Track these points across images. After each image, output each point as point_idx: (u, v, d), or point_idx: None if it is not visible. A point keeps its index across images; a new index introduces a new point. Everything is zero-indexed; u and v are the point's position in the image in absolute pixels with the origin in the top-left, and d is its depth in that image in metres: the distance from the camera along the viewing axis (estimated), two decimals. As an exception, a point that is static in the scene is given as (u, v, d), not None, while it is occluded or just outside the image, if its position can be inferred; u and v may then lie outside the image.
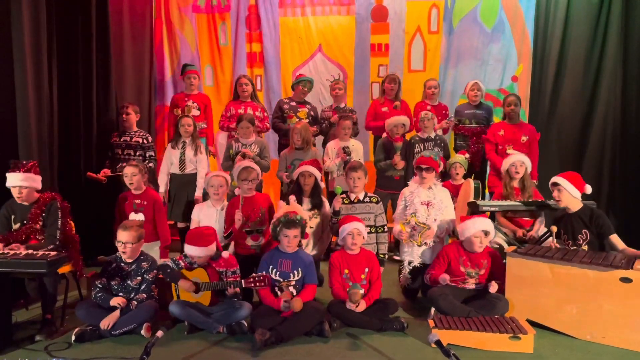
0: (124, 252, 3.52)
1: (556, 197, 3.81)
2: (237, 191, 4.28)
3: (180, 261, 3.59)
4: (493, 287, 3.56)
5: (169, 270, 3.51)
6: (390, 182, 5.23)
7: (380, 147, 5.39)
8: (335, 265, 3.69)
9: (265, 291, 3.51)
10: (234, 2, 6.87)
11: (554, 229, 3.74)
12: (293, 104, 5.77)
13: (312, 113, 5.79)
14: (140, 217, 4.28)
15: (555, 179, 3.82)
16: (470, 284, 3.69)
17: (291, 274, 3.55)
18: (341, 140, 5.40)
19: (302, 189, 4.27)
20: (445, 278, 3.58)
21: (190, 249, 3.51)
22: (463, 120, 5.79)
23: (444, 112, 5.92)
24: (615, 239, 3.65)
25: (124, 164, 4.50)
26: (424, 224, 4.03)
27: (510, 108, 5.33)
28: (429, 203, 4.09)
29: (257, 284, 3.39)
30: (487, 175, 5.72)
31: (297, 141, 5.03)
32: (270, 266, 3.59)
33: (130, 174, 4.30)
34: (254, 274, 3.43)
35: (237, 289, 3.44)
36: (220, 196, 4.34)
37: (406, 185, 5.14)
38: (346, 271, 3.66)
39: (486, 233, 3.68)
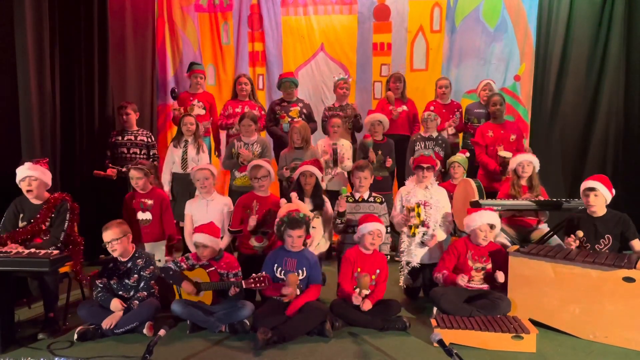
0: (114, 251, 3.52)
1: (592, 202, 3.69)
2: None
3: (182, 263, 3.60)
4: (501, 276, 3.56)
5: (171, 273, 3.53)
6: (372, 183, 5.18)
7: (359, 149, 5.39)
8: (350, 260, 3.69)
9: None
10: (236, 2, 6.87)
11: (580, 233, 3.69)
12: (284, 104, 5.74)
13: (304, 111, 5.74)
14: (147, 216, 4.29)
15: (593, 184, 3.69)
16: (477, 281, 3.69)
17: (296, 273, 3.55)
18: (331, 138, 5.39)
19: (302, 189, 4.26)
20: (464, 278, 3.57)
21: (198, 236, 3.55)
22: (472, 119, 5.79)
23: (455, 110, 5.90)
24: (635, 243, 3.63)
25: (130, 166, 4.51)
26: (413, 208, 4.02)
27: (496, 107, 5.33)
28: (426, 203, 4.10)
29: (258, 285, 3.40)
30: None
31: (296, 140, 5.01)
32: (275, 265, 3.59)
33: (136, 178, 4.30)
34: (254, 274, 3.44)
35: (238, 289, 3.45)
36: (208, 188, 4.35)
37: (390, 185, 5.19)
38: (359, 269, 3.66)
39: (492, 226, 3.71)
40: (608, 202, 3.75)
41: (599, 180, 3.73)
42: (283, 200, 4.11)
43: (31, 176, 3.59)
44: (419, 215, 4.00)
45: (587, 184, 3.75)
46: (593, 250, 3.66)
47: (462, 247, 3.78)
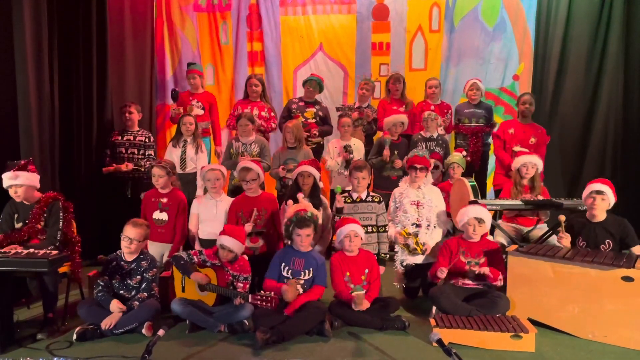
0: (128, 248, 3.52)
1: (596, 205, 3.64)
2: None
3: (195, 257, 3.60)
4: (485, 270, 3.57)
5: (182, 262, 3.54)
6: (387, 182, 5.20)
7: (376, 145, 5.41)
8: (337, 266, 3.68)
9: (271, 283, 3.54)
10: (235, 1, 6.88)
11: (562, 217, 3.67)
12: (301, 103, 5.75)
13: (320, 113, 5.74)
14: (164, 216, 4.28)
15: (601, 187, 3.64)
16: (471, 278, 3.68)
17: (302, 273, 3.56)
18: (342, 138, 5.39)
19: (300, 189, 4.26)
20: (442, 269, 3.61)
21: (226, 239, 3.53)
22: (462, 120, 5.79)
23: (446, 111, 5.91)
24: (637, 250, 3.59)
25: (153, 162, 4.51)
26: (411, 234, 4.04)
27: (525, 106, 5.34)
28: (419, 203, 4.10)
29: (264, 304, 3.34)
30: (487, 174, 5.71)
31: (289, 140, 5.02)
32: (283, 263, 3.60)
33: (157, 175, 4.28)
34: (262, 292, 3.42)
35: (243, 301, 3.42)
36: (218, 189, 4.35)
37: None
38: (347, 273, 3.66)
39: (479, 220, 3.71)
40: (610, 207, 3.71)
41: (608, 184, 3.68)
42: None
43: (15, 184, 3.57)
44: (416, 244, 4.01)
45: (595, 186, 3.68)
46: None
47: (454, 244, 3.80)
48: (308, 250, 3.65)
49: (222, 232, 3.62)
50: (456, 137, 5.98)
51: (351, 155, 5.23)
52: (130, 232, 3.51)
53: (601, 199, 3.66)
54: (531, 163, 4.53)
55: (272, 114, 5.77)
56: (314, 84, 5.73)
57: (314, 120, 5.64)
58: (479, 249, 3.73)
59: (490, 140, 5.66)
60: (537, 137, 5.32)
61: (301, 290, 3.52)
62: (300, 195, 4.10)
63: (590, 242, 3.70)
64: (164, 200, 4.31)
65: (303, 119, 5.59)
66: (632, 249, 3.61)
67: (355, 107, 5.84)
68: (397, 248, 4.12)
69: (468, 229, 3.75)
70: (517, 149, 5.07)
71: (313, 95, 5.77)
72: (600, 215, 3.71)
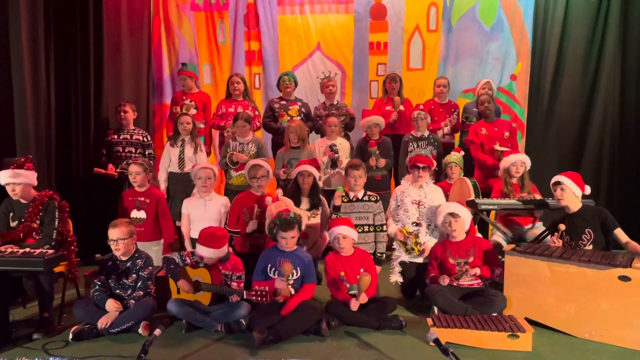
0: (117, 250, 3.51)
1: (559, 196, 3.78)
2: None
3: (187, 258, 3.56)
4: (476, 271, 3.59)
5: (172, 266, 3.49)
6: (371, 183, 5.10)
7: (357, 148, 5.39)
8: (330, 266, 3.67)
9: (260, 284, 3.52)
10: (232, 0, 6.86)
11: (562, 227, 3.69)
12: (283, 102, 5.73)
13: (303, 110, 5.74)
14: (142, 215, 4.27)
15: (557, 178, 3.79)
16: (465, 280, 3.67)
17: (290, 274, 3.54)
18: (328, 138, 5.38)
19: (300, 188, 4.25)
20: (444, 278, 3.60)
21: (202, 250, 3.47)
22: (470, 118, 5.79)
23: (453, 110, 5.90)
24: (619, 232, 3.64)
25: (130, 161, 4.51)
26: (412, 233, 4.04)
27: (484, 106, 5.34)
28: (420, 202, 4.10)
29: (259, 299, 3.33)
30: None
31: (293, 139, 5.01)
32: (269, 265, 3.58)
33: (135, 173, 4.28)
34: (256, 288, 3.41)
35: (239, 298, 3.41)
36: (208, 188, 4.36)
37: (388, 184, 5.17)
38: (342, 273, 3.65)
39: (453, 215, 3.73)
40: (578, 196, 3.78)
41: (566, 175, 3.79)
42: (269, 199, 4.09)
43: (14, 182, 3.57)
44: (415, 244, 4.02)
45: (553, 179, 3.83)
46: (577, 247, 3.67)
47: (439, 249, 3.81)
48: (293, 250, 3.62)
49: (198, 240, 3.54)
50: (461, 135, 5.98)
51: (336, 155, 5.21)
52: (112, 234, 3.49)
53: (560, 189, 3.76)
54: (520, 161, 4.56)
55: (256, 112, 5.75)
56: (286, 77, 5.66)
57: (299, 117, 5.63)
58: (465, 247, 3.73)
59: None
60: (509, 129, 5.34)
61: (293, 291, 3.51)
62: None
63: (572, 233, 3.74)
64: (142, 198, 4.31)
65: (288, 117, 5.58)
66: (614, 232, 3.64)
67: (326, 105, 5.79)
68: (395, 245, 4.12)
69: (446, 227, 3.78)
70: (498, 147, 5.08)
71: (291, 93, 5.75)
72: (571, 205, 3.79)
